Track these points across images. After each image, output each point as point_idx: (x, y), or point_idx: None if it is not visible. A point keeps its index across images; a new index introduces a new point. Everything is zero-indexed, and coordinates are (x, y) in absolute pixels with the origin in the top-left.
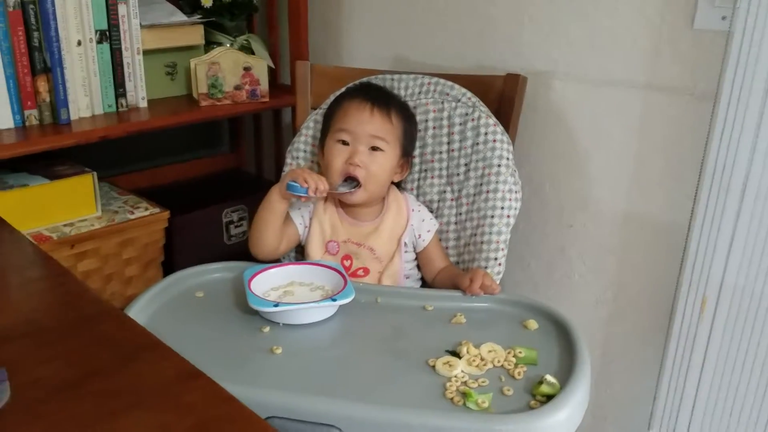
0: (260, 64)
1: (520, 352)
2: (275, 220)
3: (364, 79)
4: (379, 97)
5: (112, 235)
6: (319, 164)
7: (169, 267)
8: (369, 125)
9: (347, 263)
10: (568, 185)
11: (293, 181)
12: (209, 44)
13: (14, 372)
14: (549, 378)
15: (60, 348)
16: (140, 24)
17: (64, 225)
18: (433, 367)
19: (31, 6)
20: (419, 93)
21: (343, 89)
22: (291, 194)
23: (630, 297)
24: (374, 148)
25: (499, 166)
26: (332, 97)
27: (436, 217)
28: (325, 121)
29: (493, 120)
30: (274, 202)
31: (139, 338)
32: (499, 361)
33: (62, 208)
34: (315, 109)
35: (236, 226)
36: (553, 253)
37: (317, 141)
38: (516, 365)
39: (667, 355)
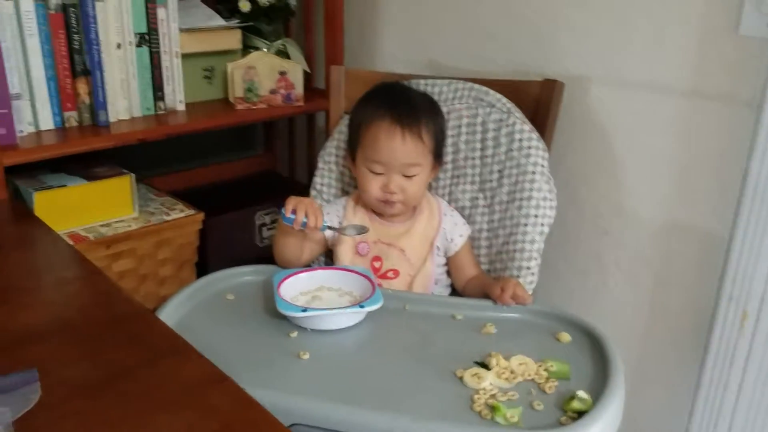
0: (295, 69)
1: (551, 366)
2: (293, 239)
3: (384, 83)
4: (408, 116)
5: (148, 235)
6: (350, 170)
7: (202, 268)
8: (402, 154)
9: (377, 264)
10: (604, 192)
11: (292, 212)
12: (246, 48)
13: (45, 371)
14: (581, 394)
15: (90, 348)
16: (179, 28)
17: (101, 225)
18: (461, 378)
19: (72, 9)
20: (453, 98)
21: (369, 95)
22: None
23: (667, 308)
24: (409, 175)
25: (533, 173)
26: (358, 104)
27: (468, 224)
28: (352, 133)
29: (528, 126)
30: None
31: (168, 340)
32: (529, 375)
33: (100, 209)
34: (348, 113)
35: (268, 228)
36: (588, 260)
37: None
38: (547, 379)
39: (704, 370)
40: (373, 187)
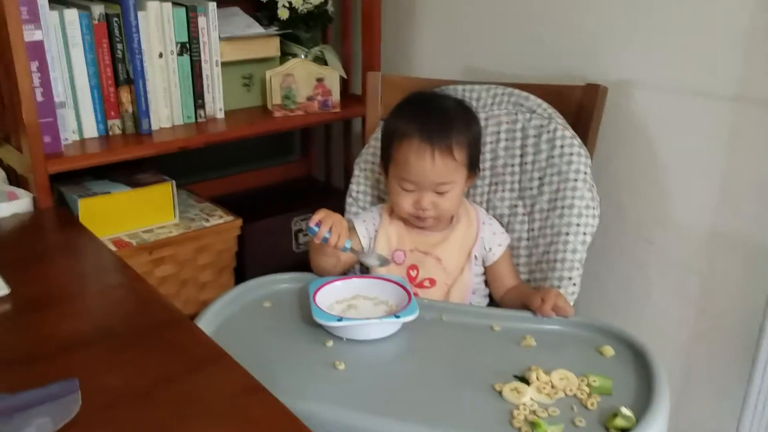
0: (332, 75)
1: (593, 381)
2: (327, 253)
3: (418, 93)
4: (439, 133)
5: (188, 241)
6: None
7: (240, 273)
8: (432, 175)
9: (413, 273)
10: (648, 200)
11: (317, 225)
12: (284, 55)
13: (86, 378)
14: (624, 410)
15: (130, 355)
16: (219, 36)
17: (144, 231)
18: (500, 392)
19: (115, 19)
20: (492, 104)
21: (401, 106)
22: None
23: (713, 319)
24: (441, 192)
25: (575, 180)
26: (391, 116)
27: (507, 232)
28: (384, 146)
29: (570, 132)
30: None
31: (207, 349)
32: (571, 390)
33: (142, 215)
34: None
35: (304, 234)
36: (632, 270)
37: None
38: (589, 395)
39: (752, 384)
40: (405, 203)
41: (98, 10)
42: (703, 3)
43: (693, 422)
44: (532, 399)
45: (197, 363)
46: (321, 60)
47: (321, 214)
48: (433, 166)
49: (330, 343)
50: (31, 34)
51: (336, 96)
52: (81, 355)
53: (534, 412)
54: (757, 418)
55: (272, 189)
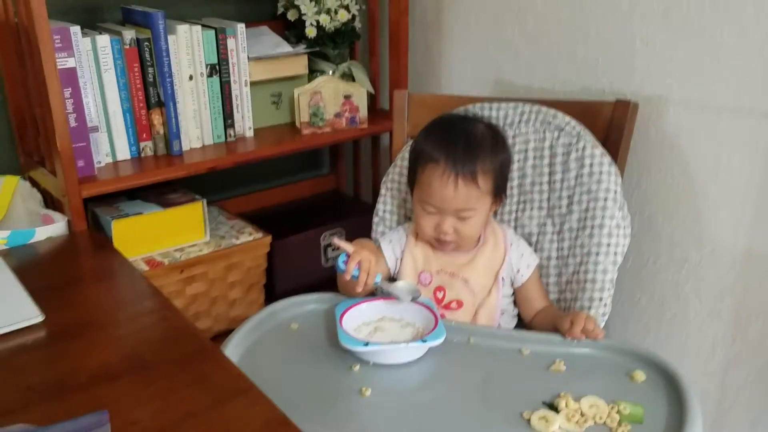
0: (360, 92)
1: (624, 408)
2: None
3: (447, 116)
4: (464, 162)
5: (219, 259)
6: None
7: (270, 289)
8: (455, 202)
9: (440, 295)
10: (682, 218)
11: (344, 261)
12: (312, 72)
13: (115, 412)
14: None
15: (159, 387)
16: (248, 57)
17: (175, 250)
18: (528, 420)
19: (146, 43)
20: (519, 122)
21: (428, 129)
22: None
23: (750, 342)
24: (463, 217)
25: (605, 199)
26: (418, 138)
27: (536, 251)
28: (410, 167)
29: (600, 150)
30: None
31: (233, 381)
32: (601, 418)
33: (173, 234)
34: (412, 137)
35: (334, 249)
36: (666, 290)
37: None
38: (620, 423)
39: None
40: (427, 225)
41: (129, 35)
42: (737, 18)
43: None
44: (560, 428)
45: (224, 396)
46: (349, 76)
47: (350, 248)
48: (455, 192)
49: (357, 368)
50: (64, 62)
51: (363, 112)
52: (111, 386)
53: None
54: None
55: (301, 204)
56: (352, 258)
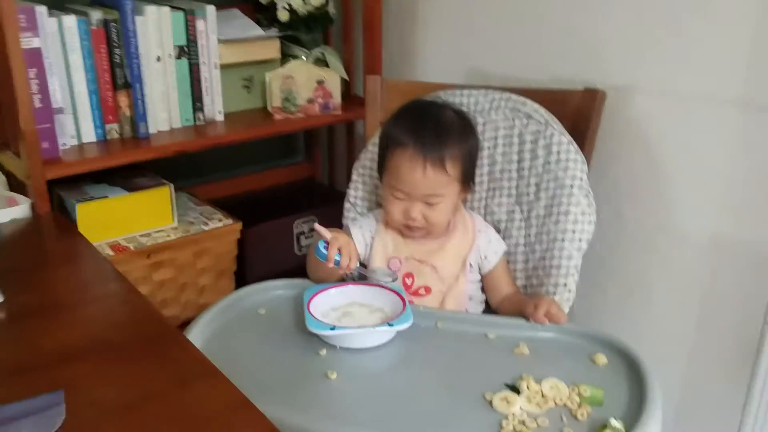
0: (333, 78)
1: (585, 391)
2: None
3: (418, 101)
4: (432, 147)
5: (187, 245)
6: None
7: (241, 276)
8: (423, 186)
9: (408, 281)
10: (648, 206)
11: (326, 244)
12: (285, 57)
13: (74, 392)
14: (614, 422)
15: (121, 368)
16: (218, 39)
17: (141, 235)
18: (490, 401)
19: (113, 24)
20: (489, 109)
21: (398, 114)
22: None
23: (715, 330)
24: (432, 203)
25: (571, 186)
26: (387, 123)
27: (504, 237)
28: (379, 153)
29: (566, 138)
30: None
31: (196, 363)
32: (561, 400)
33: (140, 219)
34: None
35: (307, 237)
36: (633, 276)
37: None
38: (580, 405)
39: (751, 397)
40: (395, 211)
41: (96, 15)
42: (708, 7)
43: (692, 430)
44: (521, 409)
45: (185, 378)
46: (322, 62)
47: (329, 235)
48: (424, 177)
49: (323, 352)
50: (29, 42)
51: (337, 98)
52: (72, 366)
53: (523, 423)
54: (757, 429)
55: (275, 191)
56: (332, 244)
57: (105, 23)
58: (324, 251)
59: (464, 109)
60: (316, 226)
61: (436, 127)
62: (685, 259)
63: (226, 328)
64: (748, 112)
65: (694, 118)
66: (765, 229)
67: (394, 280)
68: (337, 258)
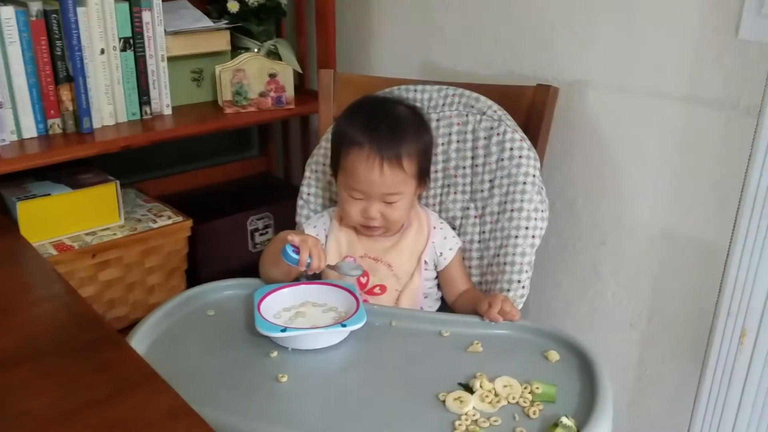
0: (286, 71)
1: (537, 388)
2: (283, 266)
3: (370, 98)
4: (388, 144)
5: (135, 244)
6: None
7: (193, 275)
8: (381, 186)
9: (363, 280)
10: (601, 201)
11: (294, 248)
12: (236, 49)
13: (6, 402)
14: (565, 420)
15: (58, 376)
16: (165, 30)
17: (86, 234)
18: (444, 401)
19: (54, 15)
20: (443, 105)
21: (350, 112)
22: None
23: (666, 321)
24: (390, 201)
25: (524, 183)
26: (340, 121)
27: (459, 234)
28: (333, 152)
29: (519, 135)
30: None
31: (137, 369)
32: (514, 398)
33: (85, 217)
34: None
35: (261, 234)
36: (586, 270)
37: None
38: (532, 402)
39: (702, 389)
40: (353, 211)
41: (36, 6)
42: (656, 4)
43: (646, 422)
44: (474, 408)
45: (126, 385)
46: (275, 54)
47: (296, 238)
48: (381, 177)
49: (274, 354)
50: None
51: (290, 92)
52: (4, 375)
53: (476, 422)
54: (708, 418)
55: (229, 186)
56: (303, 248)
57: (45, 14)
58: (294, 255)
59: (418, 104)
60: (290, 237)
61: (391, 125)
62: (637, 251)
63: (172, 331)
64: (695, 107)
65: (643, 114)
66: (712, 222)
67: (361, 273)
68: (309, 260)
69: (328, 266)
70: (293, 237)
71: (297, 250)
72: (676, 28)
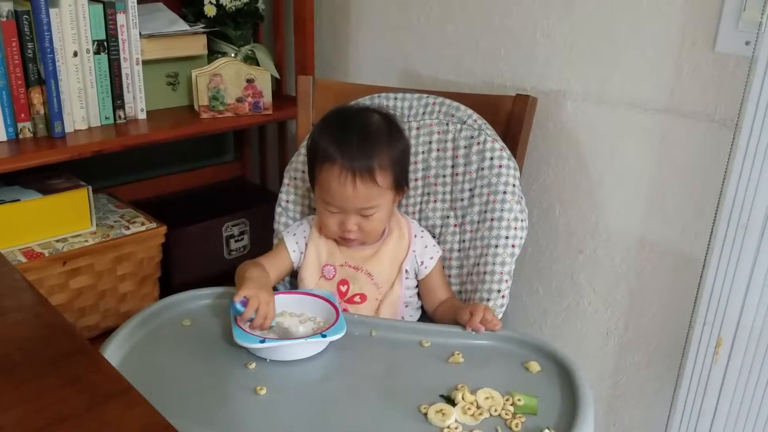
0: (263, 76)
1: (519, 400)
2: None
3: (342, 108)
4: (360, 159)
5: (107, 250)
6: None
7: (167, 282)
8: (355, 200)
9: (343, 288)
10: (578, 210)
11: (242, 303)
12: (213, 54)
13: None
14: None
15: (26, 390)
16: (140, 33)
17: (57, 240)
18: (426, 414)
19: (26, 16)
20: (423, 113)
21: (324, 123)
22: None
23: (642, 329)
24: (366, 215)
25: (504, 193)
26: (314, 132)
27: (439, 243)
28: (309, 163)
29: (499, 144)
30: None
31: (110, 382)
32: (496, 410)
33: (55, 223)
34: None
35: (237, 240)
36: (563, 279)
37: None
38: (514, 415)
39: (677, 397)
40: (330, 223)
41: (6, 7)
42: (634, 16)
43: (622, 430)
44: (457, 421)
45: (99, 398)
46: (252, 59)
47: (249, 291)
48: (354, 192)
49: (252, 366)
50: None
51: (267, 97)
52: None
53: None
54: (684, 426)
55: (203, 192)
56: (250, 303)
57: (16, 15)
58: (240, 307)
59: (398, 113)
60: (241, 291)
61: (362, 137)
62: (614, 260)
63: (146, 341)
64: (672, 118)
65: (621, 124)
66: (688, 231)
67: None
68: (253, 316)
69: (274, 331)
70: (247, 291)
71: (245, 303)
72: (654, 40)
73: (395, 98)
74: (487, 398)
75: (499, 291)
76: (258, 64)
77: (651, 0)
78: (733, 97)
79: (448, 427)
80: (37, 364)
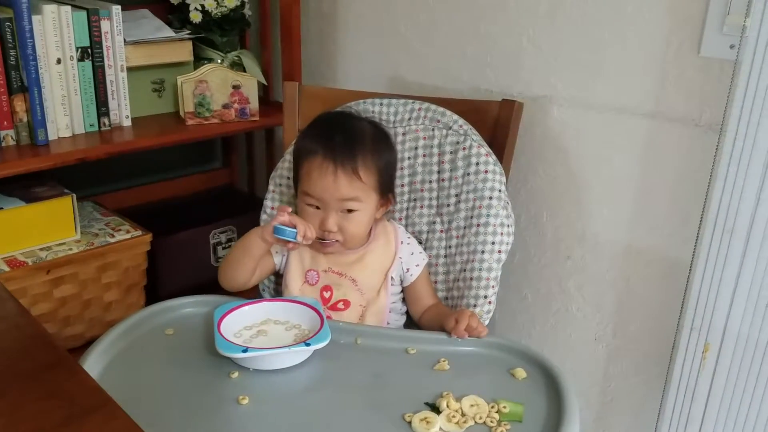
0: (250, 82)
1: (504, 407)
2: (250, 263)
3: (329, 113)
4: (343, 152)
5: (91, 259)
6: None
7: (153, 291)
8: (335, 191)
9: (327, 294)
10: (566, 215)
11: (282, 223)
12: (199, 60)
13: None
14: None
15: (3, 404)
16: (125, 40)
17: (41, 249)
18: (410, 422)
19: (8, 23)
20: (409, 119)
21: (310, 126)
22: (277, 239)
23: (630, 335)
24: (348, 209)
25: (490, 198)
26: (300, 135)
27: (425, 249)
28: (294, 167)
29: (485, 149)
30: (253, 247)
31: (90, 395)
32: (481, 418)
33: (39, 232)
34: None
35: (224, 248)
36: (551, 285)
37: None
38: (499, 422)
39: (665, 404)
40: (311, 223)
41: None
42: (619, 22)
43: None
44: (441, 429)
45: (78, 412)
46: (239, 66)
47: (286, 216)
48: (335, 181)
49: (235, 375)
50: None
51: (254, 104)
52: None
53: None
54: (673, 430)
55: (191, 199)
56: (297, 221)
57: None
58: (291, 230)
59: (384, 118)
60: (279, 219)
61: (345, 135)
62: (601, 267)
63: (128, 351)
64: (659, 124)
65: (607, 129)
66: (675, 237)
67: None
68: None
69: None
70: (282, 218)
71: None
72: (640, 45)
73: (381, 104)
74: (472, 405)
75: (485, 297)
76: (245, 71)
77: (636, 6)
78: (718, 102)
79: None
80: (15, 377)
